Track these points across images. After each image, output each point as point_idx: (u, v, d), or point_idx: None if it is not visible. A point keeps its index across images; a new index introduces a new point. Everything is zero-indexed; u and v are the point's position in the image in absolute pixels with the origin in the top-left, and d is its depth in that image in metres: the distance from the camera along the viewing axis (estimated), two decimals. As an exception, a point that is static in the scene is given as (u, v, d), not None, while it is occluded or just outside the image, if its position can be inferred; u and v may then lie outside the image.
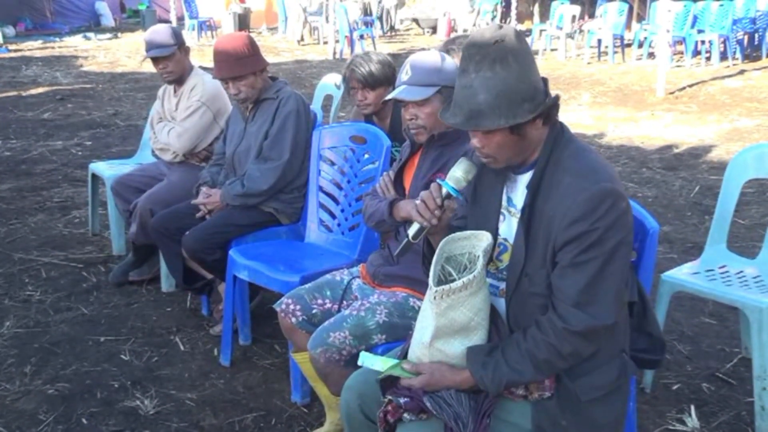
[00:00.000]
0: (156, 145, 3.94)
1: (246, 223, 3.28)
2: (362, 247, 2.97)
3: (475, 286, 1.74)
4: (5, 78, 11.67)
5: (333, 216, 3.20)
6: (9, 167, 6.41)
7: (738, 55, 12.38)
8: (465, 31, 17.22)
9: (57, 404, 2.90)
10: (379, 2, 18.92)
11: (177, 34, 3.78)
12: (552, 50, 14.61)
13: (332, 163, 3.26)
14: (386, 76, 3.20)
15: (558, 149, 1.78)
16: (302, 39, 17.19)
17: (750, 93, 9.68)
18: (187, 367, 3.19)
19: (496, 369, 1.74)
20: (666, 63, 9.95)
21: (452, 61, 2.38)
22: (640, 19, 16.55)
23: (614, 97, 9.83)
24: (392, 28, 20.34)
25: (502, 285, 1.87)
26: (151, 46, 3.71)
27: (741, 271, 2.92)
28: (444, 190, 1.86)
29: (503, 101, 1.68)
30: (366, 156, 3.10)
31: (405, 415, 1.81)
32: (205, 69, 3.95)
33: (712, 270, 2.94)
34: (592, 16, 16.11)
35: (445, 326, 1.77)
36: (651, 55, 12.71)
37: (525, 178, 1.82)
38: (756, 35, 13.08)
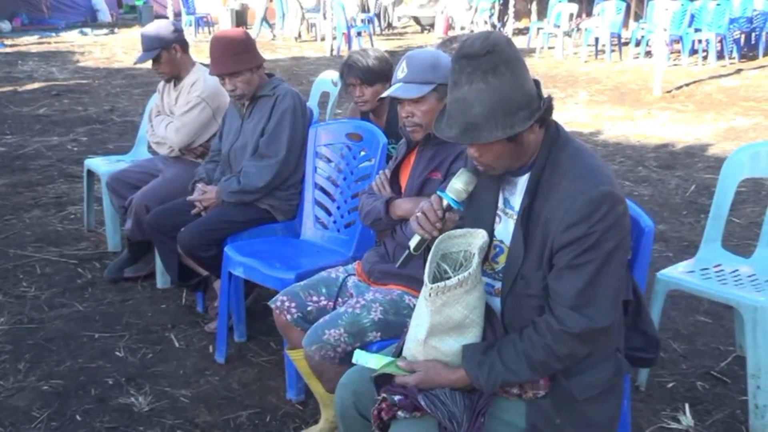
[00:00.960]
0: (153, 139, 3.94)
1: (242, 220, 3.27)
2: (358, 245, 2.96)
3: (470, 283, 1.74)
4: (1, 73, 11.63)
5: (329, 213, 3.20)
6: (4, 163, 6.39)
7: (735, 54, 12.39)
8: (462, 29, 17.22)
9: (51, 401, 2.90)
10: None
11: (162, 35, 3.71)
12: (549, 48, 14.62)
13: (328, 160, 3.25)
14: (384, 72, 3.20)
15: (555, 150, 1.77)
16: (299, 36, 17.16)
17: (746, 92, 9.70)
18: (181, 364, 3.18)
19: (492, 368, 1.74)
20: (663, 62, 9.96)
21: (449, 59, 2.37)
22: (638, 17, 16.57)
23: (611, 95, 9.84)
24: (390, 25, 20.33)
25: (498, 284, 1.87)
26: (141, 48, 3.73)
27: (736, 270, 2.93)
28: (445, 202, 1.86)
29: (499, 112, 1.66)
30: (362, 153, 3.09)
31: (399, 413, 1.81)
32: (201, 65, 3.94)
33: (707, 268, 2.94)
34: (589, 14, 16.11)
35: (440, 323, 1.77)
36: (648, 53, 12.72)
37: (522, 180, 1.82)
38: (753, 34, 13.10)
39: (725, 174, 3.00)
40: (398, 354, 1.93)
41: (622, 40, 13.75)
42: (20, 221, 4.93)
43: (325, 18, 15.30)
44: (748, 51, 13.04)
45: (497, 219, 1.89)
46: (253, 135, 3.30)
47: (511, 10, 17.09)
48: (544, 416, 1.80)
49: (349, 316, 2.30)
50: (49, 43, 16.16)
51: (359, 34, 15.09)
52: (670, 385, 2.98)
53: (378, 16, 19.02)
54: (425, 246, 1.88)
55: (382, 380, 1.87)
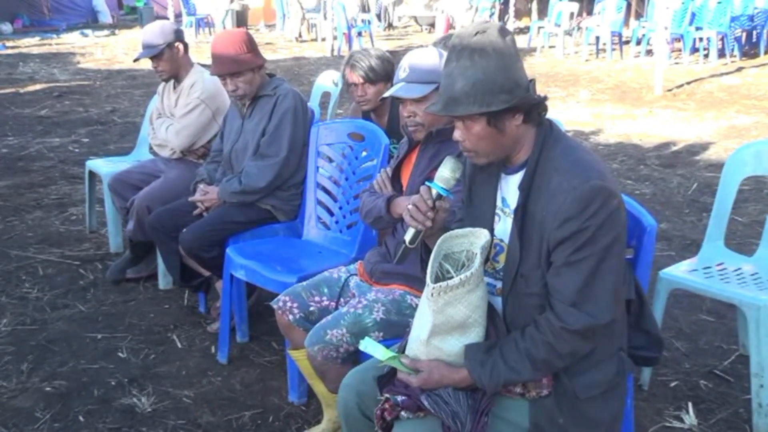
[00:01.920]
0: (154, 141, 3.94)
1: (243, 221, 3.27)
2: (360, 246, 2.96)
3: (472, 283, 1.74)
4: (2, 75, 11.65)
5: (331, 213, 3.19)
6: (6, 164, 6.39)
7: (736, 52, 12.37)
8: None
9: (54, 402, 2.90)
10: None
11: (166, 33, 3.73)
12: (550, 47, 14.61)
13: (330, 160, 3.25)
14: (386, 72, 3.20)
15: (547, 148, 1.78)
16: (300, 36, 17.16)
17: (748, 90, 9.68)
18: (184, 365, 3.18)
19: (494, 368, 1.74)
20: (664, 60, 9.94)
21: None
22: (639, 16, 16.55)
23: (612, 94, 9.83)
24: (390, 25, 20.32)
25: (499, 284, 1.87)
26: (142, 46, 3.72)
27: (738, 269, 2.92)
28: (434, 192, 1.86)
29: (479, 89, 1.70)
30: (364, 153, 3.09)
31: (402, 413, 1.81)
32: (203, 66, 3.94)
33: (709, 267, 2.94)
34: (590, 13, 16.09)
35: (442, 323, 1.77)
36: (649, 52, 12.70)
37: (516, 179, 1.82)
38: (754, 32, 13.08)
39: (727, 172, 2.99)
40: (401, 353, 1.92)
41: (623, 39, 13.73)
42: (22, 222, 4.93)
43: (325, 18, 15.30)
44: (750, 49, 13.02)
45: (497, 218, 1.89)
46: (254, 135, 3.30)
47: (511, 10, 17.07)
48: (547, 415, 1.80)
49: (352, 317, 2.30)
50: (50, 44, 16.17)
51: (360, 34, 15.08)
52: (673, 384, 2.98)
53: (378, 16, 19.01)
54: (420, 238, 1.89)
55: (385, 380, 1.87)
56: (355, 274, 2.56)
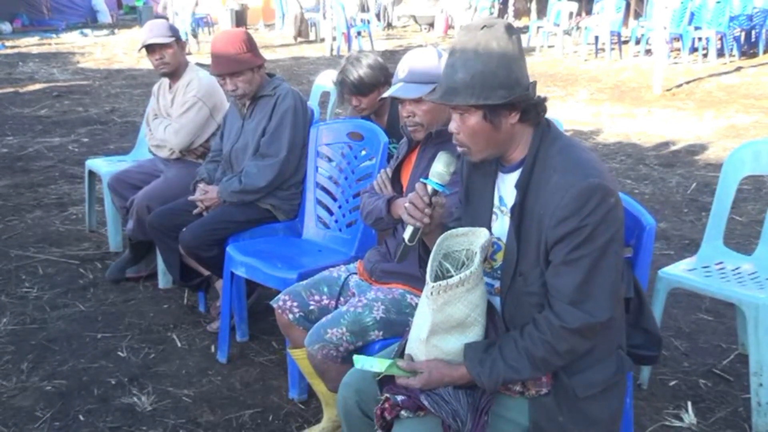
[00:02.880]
0: (152, 142, 3.93)
1: (243, 220, 3.27)
2: (360, 244, 2.97)
3: (472, 282, 1.74)
4: (2, 74, 11.64)
5: (330, 212, 3.20)
6: (6, 164, 6.39)
7: (735, 51, 12.38)
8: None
9: (54, 401, 2.90)
10: (377, -1, 18.93)
11: (174, 29, 3.79)
12: (549, 47, 14.61)
13: (329, 160, 3.25)
14: (378, 80, 3.19)
15: (544, 146, 1.78)
16: (299, 35, 17.16)
17: (747, 90, 9.69)
18: (184, 364, 3.19)
19: (493, 366, 1.74)
20: (663, 60, 9.95)
21: (449, 59, 2.37)
22: (638, 15, 16.56)
23: (611, 93, 9.84)
24: (389, 24, 20.32)
25: (497, 283, 1.87)
26: (149, 35, 3.71)
27: (737, 268, 2.93)
28: (429, 188, 1.86)
29: (478, 82, 1.71)
30: (363, 153, 3.10)
31: (402, 412, 1.81)
32: (201, 65, 3.94)
33: (708, 266, 2.94)
34: (589, 12, 16.11)
35: (441, 322, 1.77)
36: (648, 51, 12.71)
37: (513, 177, 1.82)
38: (753, 32, 13.08)
39: (726, 171, 3.00)
40: (401, 353, 1.93)
41: (622, 38, 13.74)
42: (22, 222, 4.93)
43: (324, 18, 15.30)
44: (748, 48, 13.02)
45: (494, 217, 1.90)
46: (254, 135, 3.30)
47: (510, 9, 17.09)
48: (546, 414, 1.80)
49: (351, 315, 2.30)
50: (49, 44, 16.17)
51: (359, 33, 15.07)
52: (673, 383, 2.99)
53: (378, 15, 19.01)
54: (419, 235, 1.89)
55: (386, 380, 1.87)
56: (355, 273, 2.57)
